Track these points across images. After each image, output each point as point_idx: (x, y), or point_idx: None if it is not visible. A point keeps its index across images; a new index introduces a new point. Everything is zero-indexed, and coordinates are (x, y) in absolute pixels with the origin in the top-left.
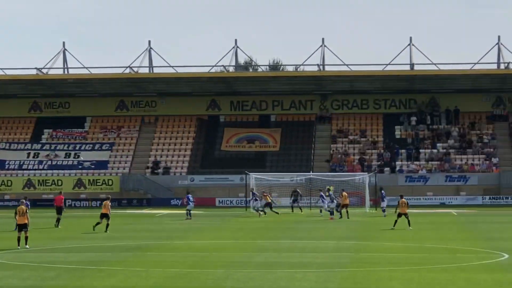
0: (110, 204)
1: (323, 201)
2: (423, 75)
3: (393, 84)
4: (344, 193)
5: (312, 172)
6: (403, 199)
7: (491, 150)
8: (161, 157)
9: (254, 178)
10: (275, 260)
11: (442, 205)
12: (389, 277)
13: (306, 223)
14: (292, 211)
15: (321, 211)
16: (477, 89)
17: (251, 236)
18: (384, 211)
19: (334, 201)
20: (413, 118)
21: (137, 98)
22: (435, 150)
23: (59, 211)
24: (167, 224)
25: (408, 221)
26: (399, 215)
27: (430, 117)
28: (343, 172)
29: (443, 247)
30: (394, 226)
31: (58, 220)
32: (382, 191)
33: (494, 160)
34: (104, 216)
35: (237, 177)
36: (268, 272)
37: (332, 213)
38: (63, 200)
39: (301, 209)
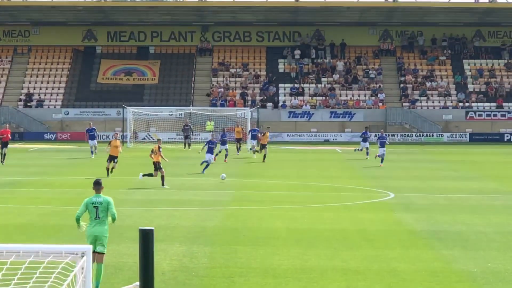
0: None
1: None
2: (308, 7)
3: (276, 16)
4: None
5: (192, 106)
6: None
7: (378, 85)
8: (34, 89)
9: (131, 112)
10: (154, 197)
11: (327, 142)
12: (271, 215)
13: (187, 159)
14: (186, 147)
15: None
16: (363, 23)
17: (128, 172)
18: (360, 150)
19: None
20: (297, 52)
21: (9, 27)
22: (320, 85)
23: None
24: (41, 160)
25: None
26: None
27: (315, 50)
28: (224, 107)
29: (327, 185)
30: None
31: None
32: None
33: (381, 96)
34: None
35: (113, 111)
36: (146, 210)
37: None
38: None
39: (189, 146)
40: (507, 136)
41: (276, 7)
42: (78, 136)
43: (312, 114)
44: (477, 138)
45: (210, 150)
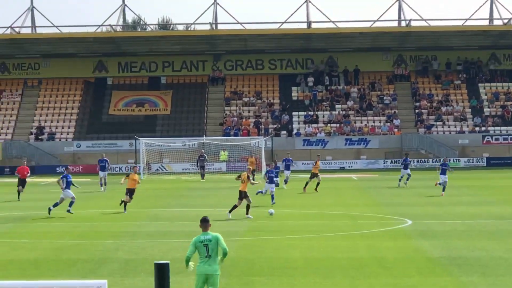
0: None
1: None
2: (320, 33)
3: (289, 43)
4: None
5: (205, 136)
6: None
7: (392, 111)
8: (45, 122)
9: (144, 143)
10: (168, 229)
11: (342, 170)
12: (288, 245)
13: (199, 190)
14: (202, 177)
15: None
16: (377, 48)
17: (142, 205)
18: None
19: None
20: (310, 79)
21: (19, 60)
22: (334, 112)
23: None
24: (53, 193)
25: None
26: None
27: (328, 77)
28: (237, 136)
29: (343, 213)
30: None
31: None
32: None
33: (396, 122)
34: None
35: (126, 143)
36: (160, 242)
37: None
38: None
39: (203, 177)
40: None
41: (288, 34)
42: (90, 168)
43: (327, 141)
44: (494, 163)
45: (270, 180)
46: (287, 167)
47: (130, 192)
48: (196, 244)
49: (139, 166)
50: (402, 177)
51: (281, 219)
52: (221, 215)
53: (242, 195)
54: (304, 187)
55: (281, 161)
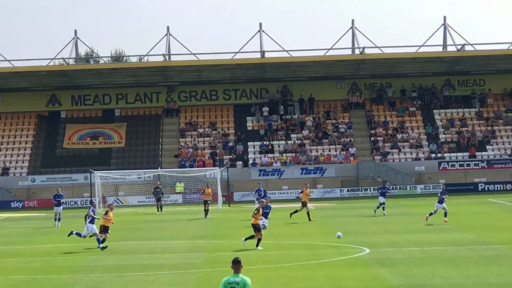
0: None
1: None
2: (274, 63)
3: (243, 73)
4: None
5: (161, 168)
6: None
7: (348, 139)
8: None
9: (99, 176)
10: (125, 263)
11: (299, 199)
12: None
13: (156, 223)
14: (159, 210)
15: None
16: (331, 76)
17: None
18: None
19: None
20: (265, 109)
21: None
22: (289, 142)
23: None
24: (8, 229)
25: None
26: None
27: (283, 107)
28: (193, 167)
29: (301, 243)
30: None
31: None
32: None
33: (351, 150)
34: None
35: (81, 176)
36: (118, 276)
37: None
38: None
39: (161, 208)
40: (481, 186)
41: (242, 64)
42: (45, 203)
43: (283, 171)
44: (451, 189)
45: (265, 215)
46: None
47: (105, 229)
48: (225, 285)
49: (95, 199)
50: (380, 205)
51: (237, 249)
52: (178, 247)
53: (256, 228)
54: (291, 214)
55: (254, 191)
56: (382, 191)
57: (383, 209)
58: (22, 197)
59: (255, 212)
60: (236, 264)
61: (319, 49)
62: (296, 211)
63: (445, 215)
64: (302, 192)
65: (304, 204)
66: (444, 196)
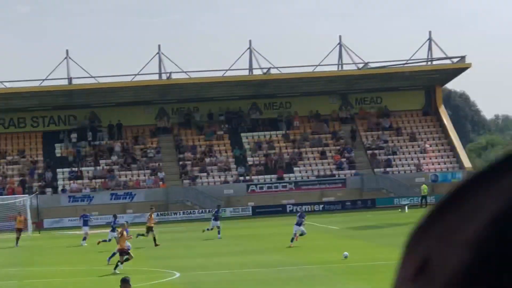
0: None
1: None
2: (82, 89)
3: (51, 100)
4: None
5: None
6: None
7: (157, 164)
8: None
9: None
10: None
11: (109, 225)
12: None
13: None
14: None
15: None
16: (139, 102)
17: None
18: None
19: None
20: (74, 135)
21: None
22: (98, 167)
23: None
24: None
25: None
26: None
27: (92, 133)
28: (2, 195)
29: (112, 268)
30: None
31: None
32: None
33: (160, 175)
34: None
35: None
36: None
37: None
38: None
39: None
40: (289, 207)
41: (49, 91)
42: None
43: (93, 197)
44: (259, 211)
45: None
46: (85, 223)
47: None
48: None
49: None
50: (212, 228)
51: (48, 277)
52: None
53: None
54: (138, 234)
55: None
56: (216, 215)
57: (218, 233)
58: None
59: (119, 236)
60: (125, 284)
61: (127, 74)
62: (142, 234)
63: (292, 240)
64: (149, 217)
65: (149, 229)
66: (303, 219)
